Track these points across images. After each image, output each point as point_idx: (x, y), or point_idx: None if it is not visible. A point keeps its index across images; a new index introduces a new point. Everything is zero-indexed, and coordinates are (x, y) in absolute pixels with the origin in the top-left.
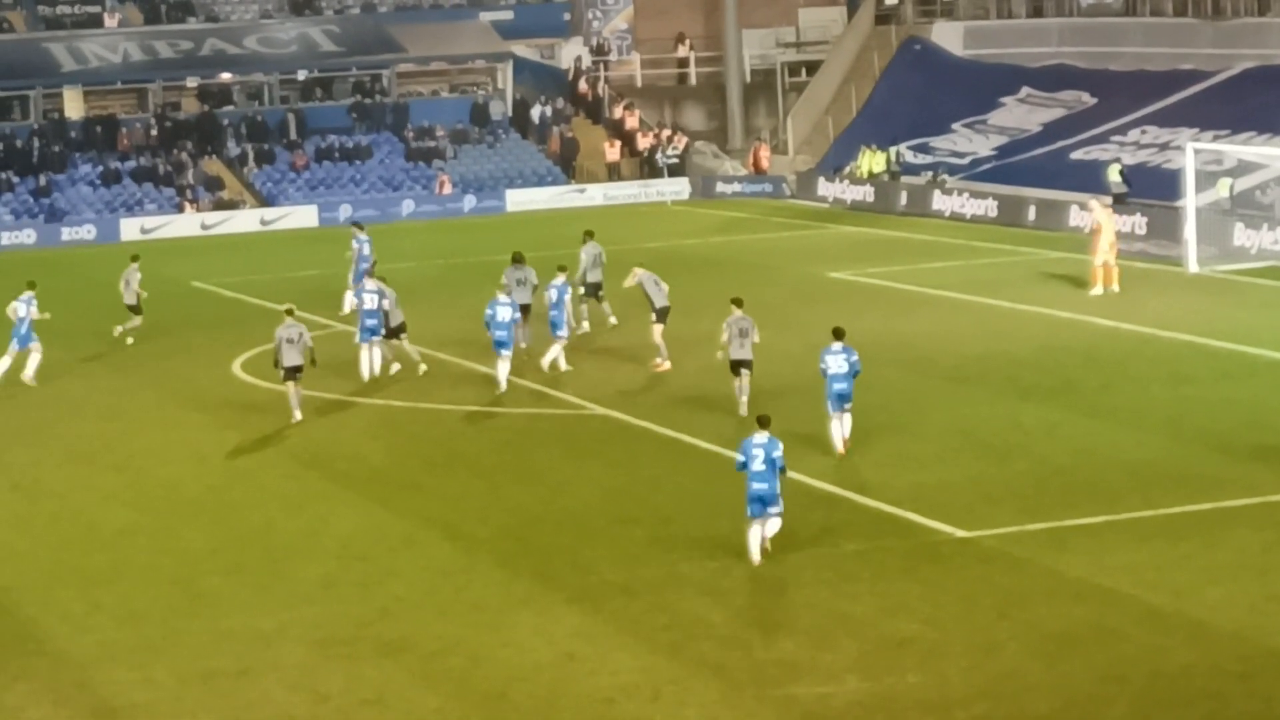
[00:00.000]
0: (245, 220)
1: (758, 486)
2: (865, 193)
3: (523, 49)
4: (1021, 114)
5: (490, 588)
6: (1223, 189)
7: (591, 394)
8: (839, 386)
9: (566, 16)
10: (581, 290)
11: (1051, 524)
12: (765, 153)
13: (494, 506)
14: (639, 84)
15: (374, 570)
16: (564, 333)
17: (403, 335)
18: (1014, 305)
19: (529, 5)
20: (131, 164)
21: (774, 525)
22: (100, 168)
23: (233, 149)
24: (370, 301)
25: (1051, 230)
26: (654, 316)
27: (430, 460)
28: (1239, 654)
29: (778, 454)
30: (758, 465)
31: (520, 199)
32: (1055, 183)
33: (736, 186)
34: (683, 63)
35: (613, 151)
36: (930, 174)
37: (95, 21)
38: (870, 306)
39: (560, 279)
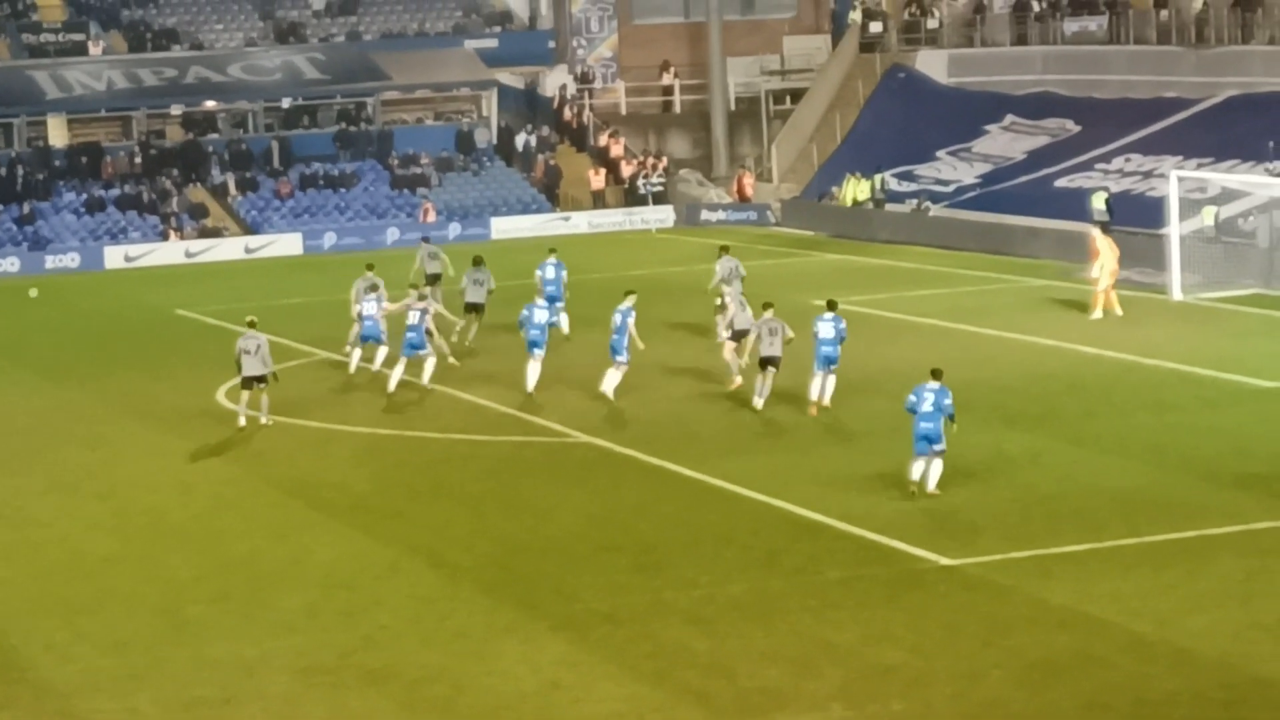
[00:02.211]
0: (229, 248)
1: (925, 426)
2: (850, 221)
3: (507, 77)
4: (1005, 142)
5: (474, 616)
6: (1207, 216)
7: (575, 422)
8: (826, 350)
9: (551, 44)
10: (717, 302)
11: (1036, 552)
12: (749, 180)
13: (478, 534)
14: (624, 112)
15: (358, 599)
16: (623, 358)
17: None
18: (998, 333)
19: (514, 33)
20: (115, 192)
21: (937, 466)
22: (84, 195)
23: (217, 177)
24: (413, 317)
25: (1036, 258)
26: (729, 335)
27: (414, 488)
28: (1223, 682)
29: (947, 401)
30: (926, 407)
31: (505, 227)
32: (1039, 211)
33: (721, 214)
34: (667, 90)
35: (597, 179)
36: (914, 202)
37: (79, 49)
38: (855, 334)
39: (627, 303)
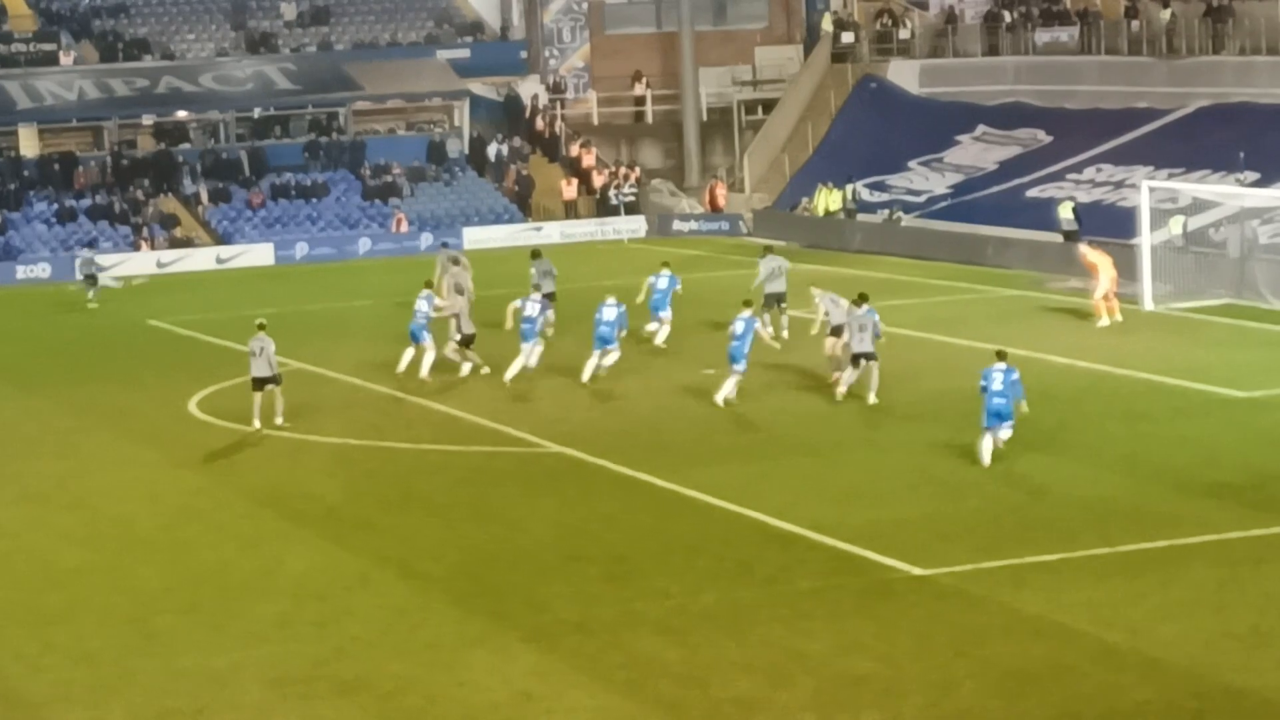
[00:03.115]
0: (201, 258)
1: (997, 402)
2: (822, 230)
3: (479, 87)
4: (977, 152)
5: (445, 626)
6: (1174, 226)
7: (547, 431)
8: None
9: (523, 55)
10: (762, 301)
11: (1008, 561)
12: (722, 190)
13: (449, 545)
14: (595, 122)
15: (329, 609)
16: (741, 366)
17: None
18: (970, 343)
19: (486, 43)
20: (87, 202)
21: (1005, 432)
22: (55, 205)
23: (189, 187)
24: (531, 309)
25: (1008, 268)
26: (830, 332)
27: (385, 499)
28: (1194, 691)
29: (1015, 377)
30: (997, 385)
31: (477, 237)
32: (1011, 221)
33: (693, 224)
34: (639, 101)
35: (569, 189)
36: (887, 212)
37: (50, 59)
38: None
39: (747, 312)
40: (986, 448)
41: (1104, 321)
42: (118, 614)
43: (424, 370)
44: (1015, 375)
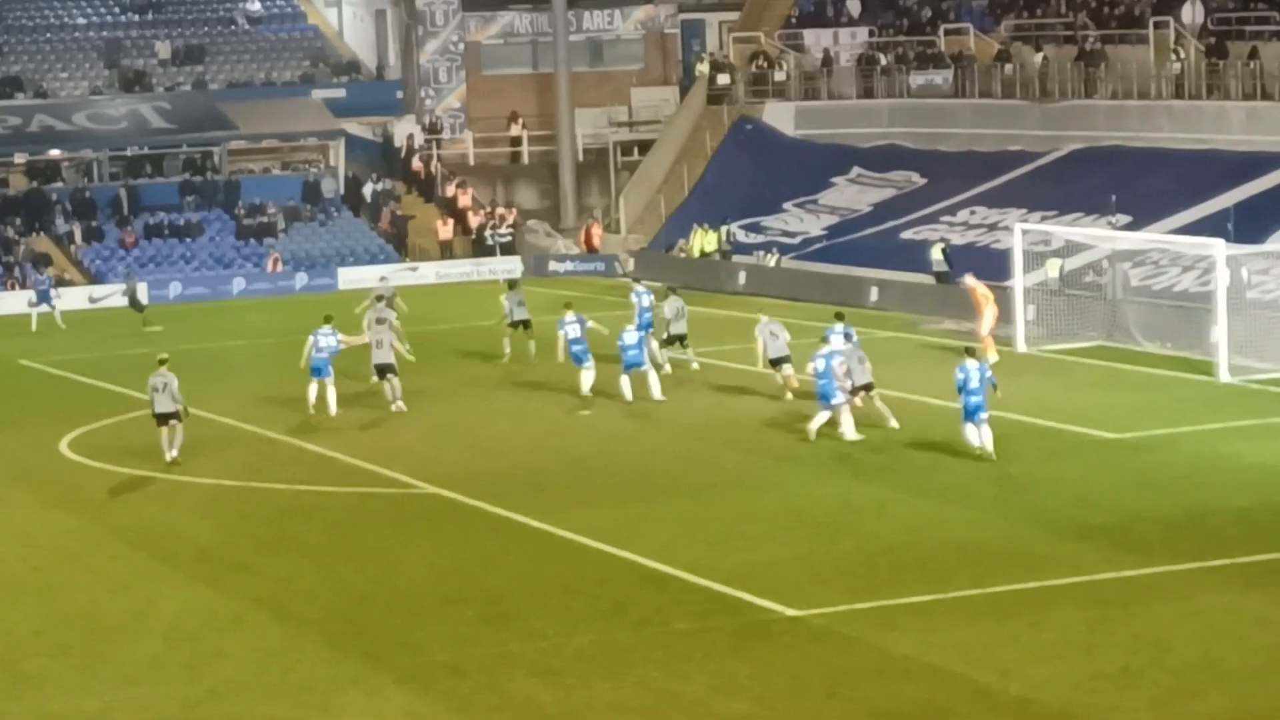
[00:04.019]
0: (73, 298)
1: (975, 399)
2: (696, 272)
3: (355, 127)
4: (852, 194)
5: (319, 668)
6: (1052, 269)
7: (422, 472)
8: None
9: (399, 95)
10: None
11: (880, 602)
12: (597, 231)
13: (323, 586)
14: (472, 162)
15: (202, 651)
16: (839, 399)
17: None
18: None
19: (361, 83)
20: None
21: (987, 431)
22: None
23: (61, 226)
24: (573, 331)
25: (883, 310)
26: (770, 365)
27: (260, 540)
28: None
29: (989, 374)
30: (974, 383)
31: (352, 277)
32: (886, 262)
33: (569, 265)
34: (515, 141)
35: (445, 230)
36: (762, 253)
37: None
38: (703, 385)
39: (825, 349)
40: (973, 436)
41: (993, 357)
42: None
43: (332, 407)
44: (988, 371)
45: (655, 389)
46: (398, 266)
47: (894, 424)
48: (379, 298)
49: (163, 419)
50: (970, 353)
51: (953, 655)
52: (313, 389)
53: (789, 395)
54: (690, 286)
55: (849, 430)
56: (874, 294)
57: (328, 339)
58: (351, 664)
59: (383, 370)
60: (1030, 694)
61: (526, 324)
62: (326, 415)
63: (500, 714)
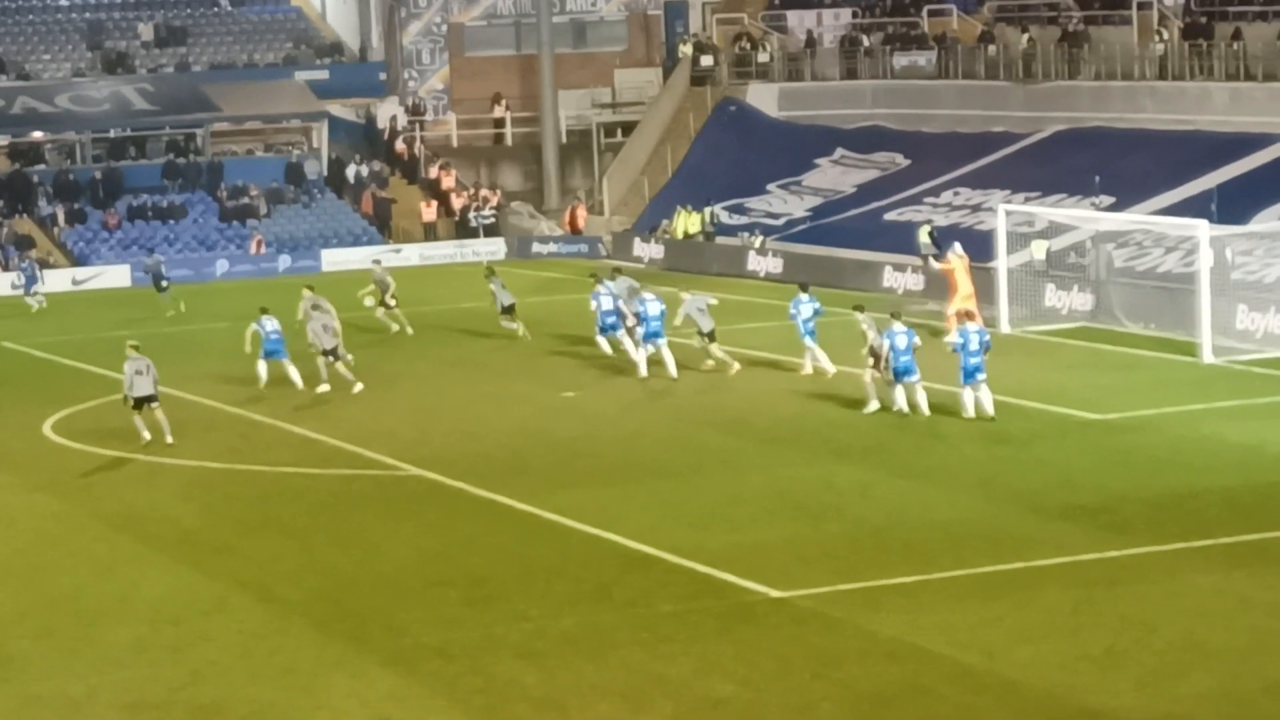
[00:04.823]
0: (56, 280)
1: (974, 360)
2: (681, 253)
3: (338, 108)
4: (836, 175)
5: (303, 651)
6: (1038, 251)
7: (406, 454)
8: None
9: (382, 76)
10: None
11: (865, 584)
12: (581, 213)
13: (307, 569)
14: (455, 144)
15: (186, 634)
16: (915, 376)
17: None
18: (828, 366)
19: (344, 65)
20: None
21: (985, 393)
22: None
23: (44, 208)
24: (607, 303)
25: (867, 291)
26: (706, 339)
27: (244, 522)
28: (1050, 713)
29: (987, 337)
30: (973, 345)
31: (336, 259)
32: (869, 244)
33: (552, 247)
34: (499, 123)
35: (429, 211)
36: (746, 235)
37: None
38: (686, 366)
39: (898, 325)
40: (969, 402)
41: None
42: None
43: (298, 382)
44: (987, 334)
45: (670, 366)
46: (381, 248)
47: (928, 411)
48: (308, 299)
49: (141, 403)
50: (970, 316)
51: (938, 636)
52: (264, 367)
53: (709, 364)
54: (674, 268)
55: (920, 403)
56: (847, 274)
57: (273, 323)
58: (336, 646)
59: (330, 353)
60: (1015, 675)
61: (512, 308)
62: (295, 391)
63: (485, 696)
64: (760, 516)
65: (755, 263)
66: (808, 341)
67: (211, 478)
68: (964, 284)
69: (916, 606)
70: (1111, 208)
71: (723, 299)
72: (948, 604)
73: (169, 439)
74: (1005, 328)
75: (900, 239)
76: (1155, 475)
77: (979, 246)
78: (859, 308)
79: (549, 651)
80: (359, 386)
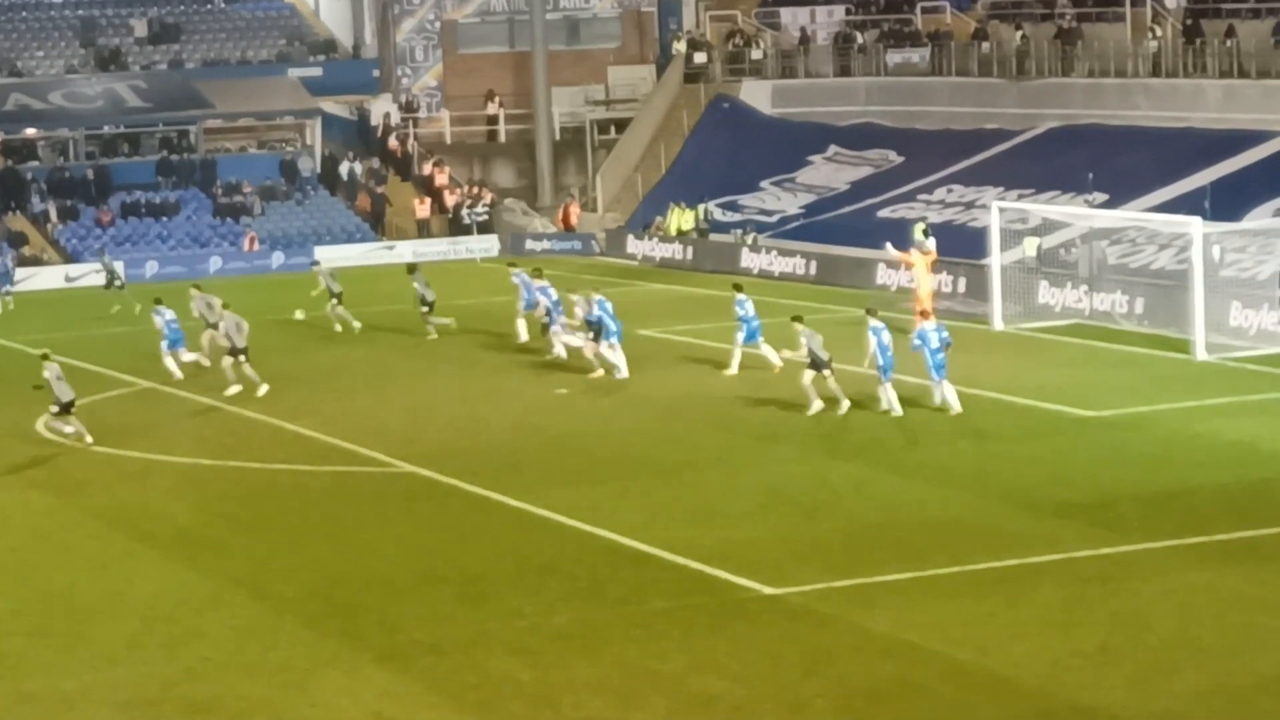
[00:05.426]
0: (49, 277)
1: (939, 357)
2: (674, 250)
3: (332, 105)
4: (829, 172)
5: (297, 647)
6: (1029, 247)
7: (400, 451)
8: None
9: (376, 73)
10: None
11: (858, 581)
12: (575, 210)
13: (301, 566)
14: (448, 141)
15: (179, 631)
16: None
17: None
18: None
19: (338, 62)
20: None
21: (949, 389)
22: None
23: (37, 205)
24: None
25: (860, 288)
26: (592, 335)
27: (237, 519)
28: (1043, 710)
29: (945, 334)
30: (934, 343)
31: (329, 256)
32: (863, 241)
33: (546, 244)
34: (492, 120)
35: (422, 208)
36: (739, 232)
37: None
38: (679, 363)
39: (874, 321)
40: (939, 396)
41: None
42: None
43: (190, 357)
44: (945, 332)
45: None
46: (374, 245)
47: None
48: (199, 298)
49: (69, 407)
50: (925, 315)
51: (931, 633)
52: (170, 360)
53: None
54: (667, 265)
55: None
56: (840, 271)
57: (171, 313)
58: (329, 643)
59: (240, 352)
60: (1008, 672)
61: (433, 305)
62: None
63: (478, 693)
64: (753, 513)
65: (749, 260)
66: (751, 340)
67: (204, 475)
68: (925, 281)
69: (909, 603)
70: (1105, 205)
71: (716, 295)
72: (941, 600)
73: (88, 438)
74: (999, 325)
75: (894, 236)
76: (1148, 472)
77: (973, 244)
78: (797, 319)
79: (542, 648)
80: (265, 388)
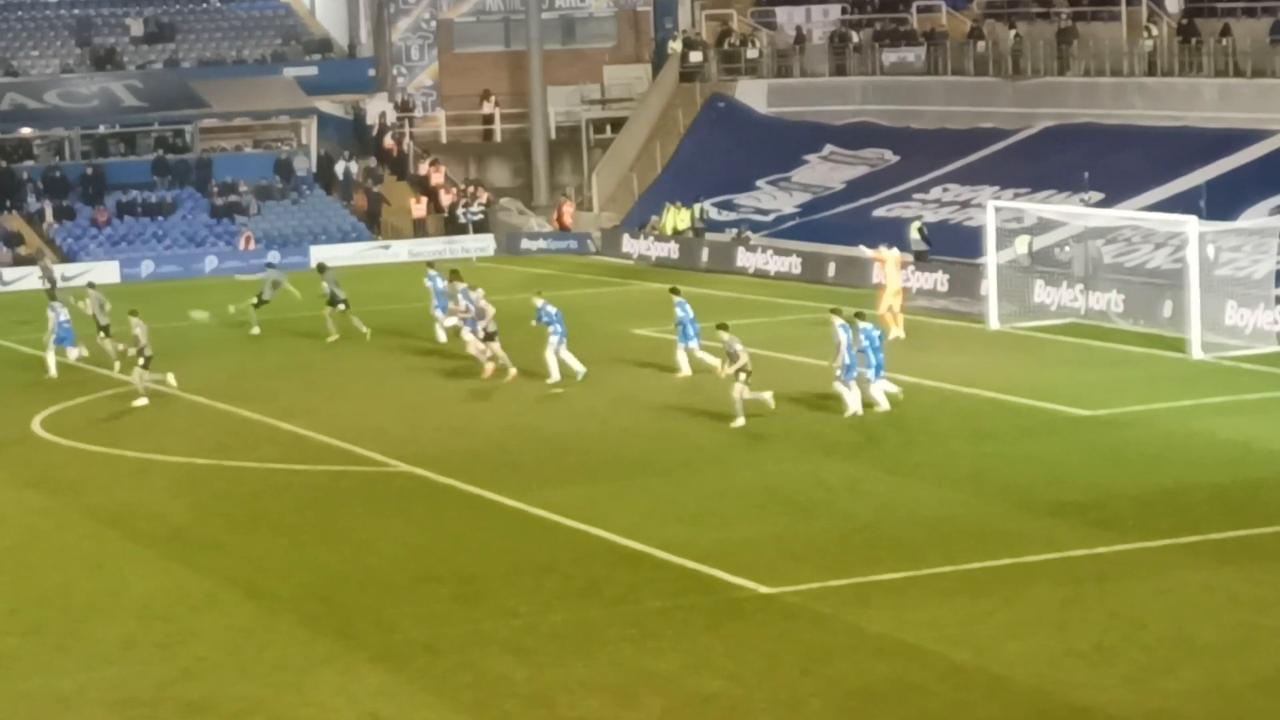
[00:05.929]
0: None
1: (881, 356)
2: (670, 249)
3: (327, 105)
4: (825, 171)
5: (293, 647)
6: (1020, 246)
7: (395, 451)
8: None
9: (371, 72)
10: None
11: (854, 580)
12: (570, 209)
13: (297, 565)
14: (444, 140)
15: (175, 630)
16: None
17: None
18: (816, 361)
19: (333, 61)
20: None
21: (889, 386)
22: None
23: (33, 204)
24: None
25: (854, 287)
26: (482, 334)
27: (232, 519)
28: (1038, 709)
29: (877, 333)
30: (878, 343)
31: (324, 255)
32: (858, 240)
33: (541, 243)
34: (488, 119)
35: (418, 208)
36: (735, 231)
37: None
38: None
39: (838, 320)
40: (877, 393)
41: (898, 332)
42: None
43: (75, 354)
44: (877, 329)
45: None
46: (370, 245)
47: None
48: (94, 297)
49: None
50: (860, 316)
51: (927, 633)
52: (53, 358)
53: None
54: (662, 264)
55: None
56: (834, 270)
57: (65, 312)
58: (325, 643)
59: (149, 360)
60: (1004, 671)
61: (346, 303)
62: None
63: (473, 692)
64: (749, 512)
65: (744, 259)
66: (687, 340)
67: (200, 474)
68: (893, 280)
69: (905, 602)
70: (1100, 204)
71: (711, 295)
72: (937, 600)
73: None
74: (994, 324)
75: (890, 235)
76: (1144, 471)
77: (968, 243)
78: (722, 326)
79: (538, 647)
80: (144, 401)
